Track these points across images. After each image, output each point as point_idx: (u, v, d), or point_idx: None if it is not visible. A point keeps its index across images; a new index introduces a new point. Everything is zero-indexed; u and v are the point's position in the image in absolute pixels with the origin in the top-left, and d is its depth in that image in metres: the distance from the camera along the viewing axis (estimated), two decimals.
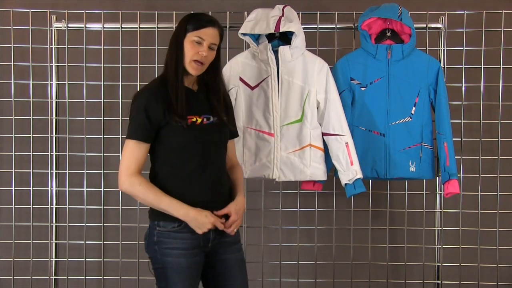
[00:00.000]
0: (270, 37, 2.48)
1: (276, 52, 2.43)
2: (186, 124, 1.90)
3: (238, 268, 2.02)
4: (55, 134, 2.77)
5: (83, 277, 2.82)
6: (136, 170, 1.89)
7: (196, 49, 1.92)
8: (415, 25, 2.49)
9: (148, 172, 1.98)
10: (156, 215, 1.93)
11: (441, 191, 2.71)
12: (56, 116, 2.76)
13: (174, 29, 2.00)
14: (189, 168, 1.91)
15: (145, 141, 1.90)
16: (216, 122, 1.99)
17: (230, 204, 1.98)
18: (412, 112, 2.53)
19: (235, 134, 2.16)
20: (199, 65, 1.93)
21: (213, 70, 2.02)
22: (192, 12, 2.06)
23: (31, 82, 2.77)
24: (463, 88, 2.72)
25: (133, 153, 1.89)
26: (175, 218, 1.89)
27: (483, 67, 2.73)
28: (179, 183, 1.91)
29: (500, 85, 2.74)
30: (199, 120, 1.94)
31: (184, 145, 1.91)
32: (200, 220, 1.88)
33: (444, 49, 2.68)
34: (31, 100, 2.78)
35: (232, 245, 2.01)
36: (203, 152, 1.93)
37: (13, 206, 2.80)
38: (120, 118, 2.73)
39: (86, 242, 2.80)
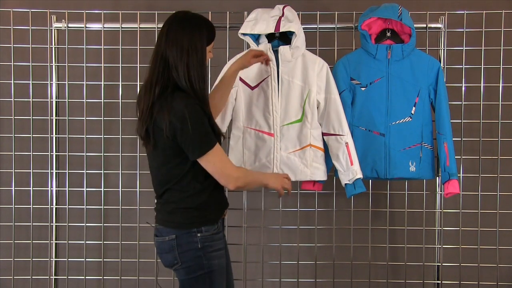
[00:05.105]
0: (270, 37, 2.48)
1: (276, 52, 2.43)
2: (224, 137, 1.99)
3: (230, 264, 2.12)
4: (55, 134, 2.77)
5: (83, 277, 2.82)
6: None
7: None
8: (415, 25, 2.49)
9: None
10: (196, 222, 1.90)
11: (441, 191, 2.71)
12: (56, 116, 2.76)
13: (193, 36, 1.85)
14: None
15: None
16: None
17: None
18: (412, 112, 2.53)
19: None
20: None
21: None
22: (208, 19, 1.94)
23: (31, 82, 2.77)
24: (463, 88, 2.72)
25: (224, 153, 1.91)
26: (214, 221, 1.94)
27: (483, 67, 2.73)
28: (220, 192, 1.98)
29: (500, 85, 2.74)
30: None
31: None
32: (279, 178, 2.05)
33: (444, 49, 2.68)
34: (31, 100, 2.78)
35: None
36: None
37: (13, 206, 2.80)
38: (120, 118, 2.73)
39: (86, 242, 2.81)
